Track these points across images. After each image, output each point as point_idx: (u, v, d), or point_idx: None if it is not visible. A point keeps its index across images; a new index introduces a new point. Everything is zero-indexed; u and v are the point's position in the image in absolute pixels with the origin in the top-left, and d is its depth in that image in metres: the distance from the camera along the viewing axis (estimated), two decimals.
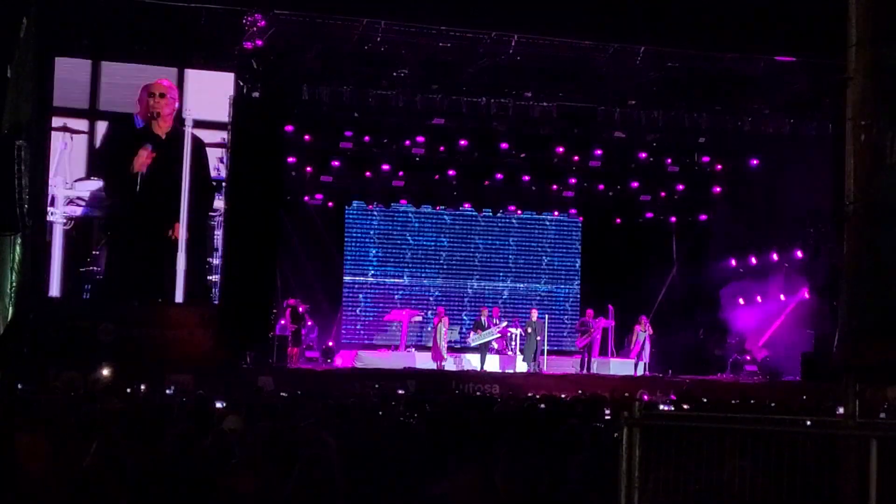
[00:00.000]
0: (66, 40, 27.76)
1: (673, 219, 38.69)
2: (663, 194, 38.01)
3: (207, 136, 29.37)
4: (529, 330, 33.37)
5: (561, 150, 34.83)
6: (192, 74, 29.22)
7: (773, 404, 20.42)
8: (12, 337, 25.25)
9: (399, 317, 35.74)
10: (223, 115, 29.08)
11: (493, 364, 33.30)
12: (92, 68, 28.64)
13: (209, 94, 29.09)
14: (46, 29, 26.80)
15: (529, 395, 22.38)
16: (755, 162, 35.24)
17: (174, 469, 8.37)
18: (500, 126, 32.99)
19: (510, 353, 34.32)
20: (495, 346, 34.17)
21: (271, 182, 29.32)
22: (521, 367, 33.29)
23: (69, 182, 28.41)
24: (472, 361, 33.49)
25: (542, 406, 17.72)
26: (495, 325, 33.88)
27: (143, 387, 21.05)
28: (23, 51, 27.98)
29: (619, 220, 38.71)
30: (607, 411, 15.73)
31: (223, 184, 29.22)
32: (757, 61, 30.31)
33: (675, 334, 36.75)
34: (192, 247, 28.77)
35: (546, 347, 33.80)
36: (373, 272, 37.96)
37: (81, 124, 28.71)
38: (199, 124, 29.18)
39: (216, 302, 28.84)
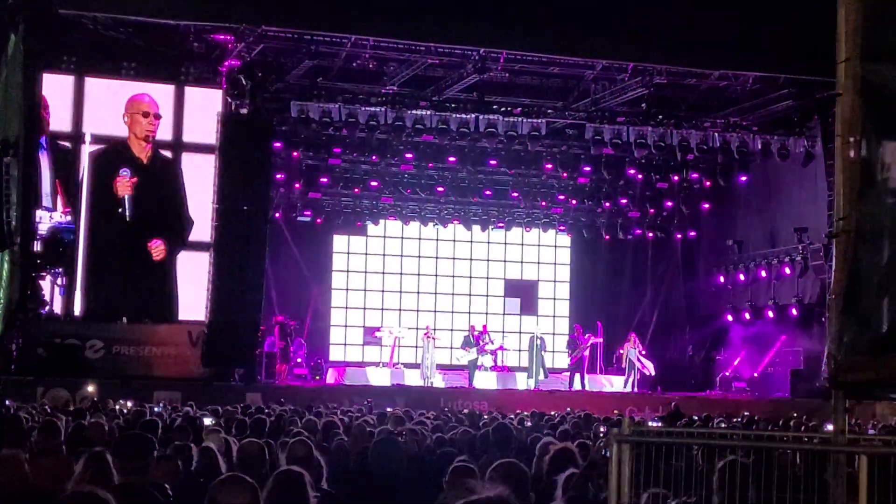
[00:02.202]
0: (51, 56, 27.57)
1: (661, 235, 38.73)
2: (652, 211, 38.08)
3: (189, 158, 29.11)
4: (531, 346, 33.47)
5: (550, 166, 34.90)
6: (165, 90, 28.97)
7: (757, 418, 20.44)
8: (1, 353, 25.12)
9: (388, 333, 35.73)
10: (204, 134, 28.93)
11: (488, 381, 33.31)
12: (75, 85, 28.34)
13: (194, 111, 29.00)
14: (34, 45, 26.69)
15: (518, 411, 22.36)
16: (743, 178, 35.32)
17: (162, 485, 8.33)
18: (489, 143, 33.03)
19: (499, 364, 34.46)
20: (486, 363, 34.21)
21: (259, 199, 29.27)
22: (521, 383, 33.35)
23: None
24: (461, 378, 33.48)
25: (530, 423, 17.76)
26: (484, 342, 33.89)
27: (130, 403, 21.00)
28: (10, 67, 27.91)
29: (607, 237, 38.76)
30: (602, 429, 15.73)
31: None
32: (745, 78, 30.39)
33: (664, 351, 36.78)
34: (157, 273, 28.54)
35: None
36: (361, 289, 37.95)
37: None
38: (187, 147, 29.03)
39: (203, 319, 28.70)
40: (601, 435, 14.47)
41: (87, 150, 28.11)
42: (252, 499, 5.97)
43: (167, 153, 28.91)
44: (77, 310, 27.88)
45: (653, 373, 33.90)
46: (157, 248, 28.40)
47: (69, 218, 27.56)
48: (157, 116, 28.49)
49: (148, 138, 28.42)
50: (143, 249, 28.25)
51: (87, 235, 27.85)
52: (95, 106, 28.34)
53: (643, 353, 34.13)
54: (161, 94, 28.85)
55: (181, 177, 28.90)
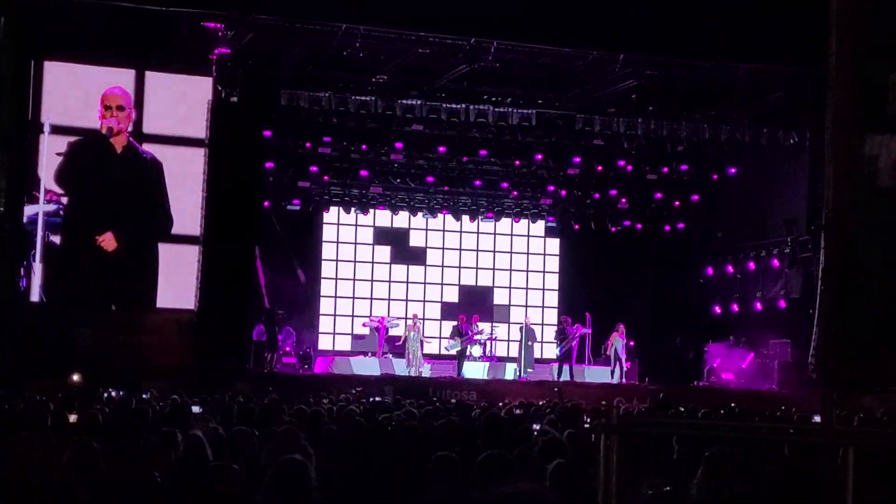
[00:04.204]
0: (47, 42, 27.35)
1: (651, 227, 38.74)
2: (641, 202, 38.08)
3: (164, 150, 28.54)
4: (522, 336, 33.54)
5: (539, 157, 34.86)
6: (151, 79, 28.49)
7: (745, 409, 20.47)
8: None
9: (377, 323, 35.74)
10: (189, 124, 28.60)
11: (477, 371, 33.36)
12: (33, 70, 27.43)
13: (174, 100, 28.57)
14: (27, 32, 26.53)
15: (507, 401, 22.39)
16: (733, 171, 35.36)
17: (150, 474, 8.33)
18: (479, 133, 33.01)
19: (489, 354, 34.57)
20: (476, 353, 34.26)
21: (249, 187, 29.18)
22: (510, 374, 33.41)
23: None
24: (449, 368, 33.52)
25: (519, 412, 17.78)
26: (473, 332, 33.91)
27: (119, 392, 20.95)
28: (1, 54, 27.76)
29: (596, 228, 38.76)
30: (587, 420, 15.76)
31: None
32: (735, 70, 30.36)
33: (652, 342, 36.83)
34: (127, 261, 28.13)
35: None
36: (350, 278, 37.95)
37: None
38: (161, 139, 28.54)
39: (193, 307, 28.63)
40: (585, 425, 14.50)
41: (46, 140, 27.26)
42: (240, 487, 5.97)
43: (146, 145, 28.39)
44: (34, 297, 27.59)
45: (625, 367, 33.90)
46: (107, 240, 27.72)
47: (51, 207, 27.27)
48: (120, 108, 27.57)
49: (110, 132, 27.45)
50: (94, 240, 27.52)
51: (64, 224, 27.55)
52: (57, 94, 27.60)
53: (630, 344, 34.17)
54: (144, 82, 28.39)
55: (159, 167, 28.27)
